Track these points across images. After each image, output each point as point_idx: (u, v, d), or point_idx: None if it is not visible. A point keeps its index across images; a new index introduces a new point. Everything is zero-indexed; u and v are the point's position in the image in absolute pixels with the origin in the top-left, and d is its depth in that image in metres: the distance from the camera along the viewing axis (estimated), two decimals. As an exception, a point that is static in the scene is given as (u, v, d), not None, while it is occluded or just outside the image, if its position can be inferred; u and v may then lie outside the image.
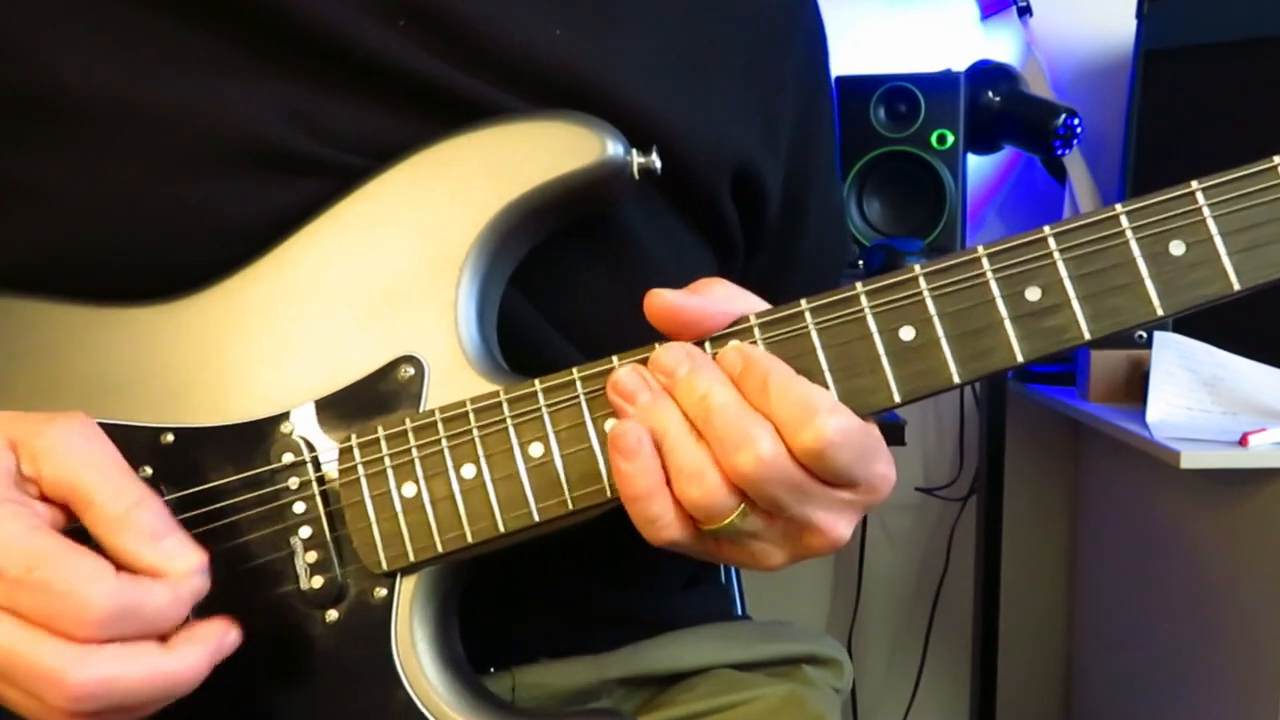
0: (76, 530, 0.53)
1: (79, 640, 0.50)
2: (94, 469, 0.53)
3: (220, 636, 0.55)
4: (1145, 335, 1.46)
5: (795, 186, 0.75)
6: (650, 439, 0.54)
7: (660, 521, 0.54)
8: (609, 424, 0.57)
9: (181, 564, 0.53)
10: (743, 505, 0.53)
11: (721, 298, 0.57)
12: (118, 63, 0.62)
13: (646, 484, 0.53)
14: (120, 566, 0.52)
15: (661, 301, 0.56)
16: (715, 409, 0.53)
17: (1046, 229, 0.54)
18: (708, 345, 0.57)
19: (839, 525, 0.55)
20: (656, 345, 0.57)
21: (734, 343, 0.56)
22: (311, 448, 0.60)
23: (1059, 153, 1.76)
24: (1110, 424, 1.48)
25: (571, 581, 0.71)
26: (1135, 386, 1.52)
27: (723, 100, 0.70)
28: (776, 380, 0.53)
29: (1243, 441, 1.27)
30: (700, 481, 0.53)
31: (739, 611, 0.93)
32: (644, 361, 0.57)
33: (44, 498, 0.54)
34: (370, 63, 0.63)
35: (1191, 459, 1.27)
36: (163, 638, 0.53)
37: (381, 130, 0.63)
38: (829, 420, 0.52)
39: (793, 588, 2.09)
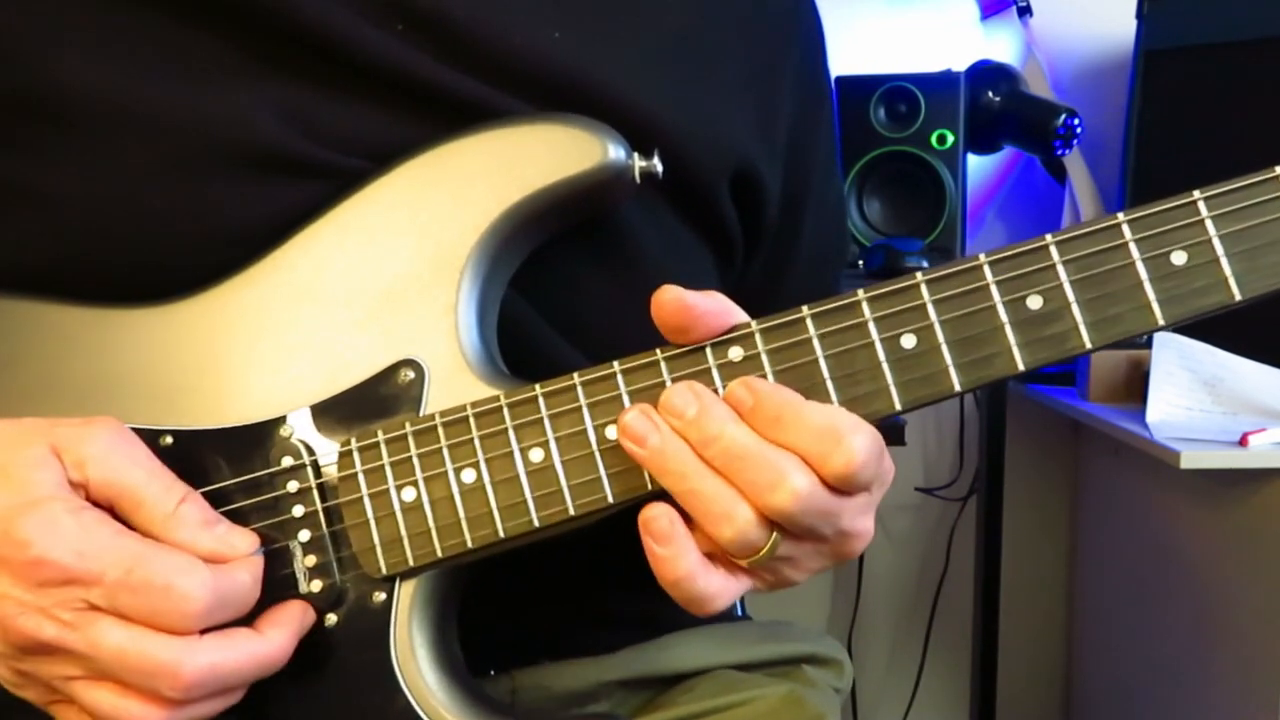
0: None
1: (182, 633, 0.53)
2: (141, 471, 0.56)
3: (301, 616, 0.58)
4: (1145, 336, 1.46)
5: (793, 186, 0.76)
6: (680, 518, 0.54)
7: (705, 595, 0.55)
8: (610, 430, 0.57)
9: (242, 545, 0.57)
10: (775, 534, 0.54)
11: (721, 302, 0.57)
12: (116, 65, 0.62)
13: (686, 565, 0.54)
14: None
15: (671, 296, 0.56)
16: (737, 449, 0.53)
17: (1048, 237, 0.54)
18: (709, 351, 0.57)
19: (867, 524, 0.57)
20: (658, 350, 0.57)
21: (737, 348, 0.56)
22: (311, 451, 0.60)
23: (1059, 153, 1.76)
24: (1110, 424, 1.48)
25: (572, 583, 0.71)
26: (1135, 386, 1.52)
27: (722, 101, 0.70)
28: (791, 411, 0.53)
29: (1243, 441, 1.27)
30: (732, 520, 0.53)
31: (739, 612, 0.93)
32: (646, 366, 0.57)
33: (91, 501, 0.55)
34: (369, 66, 0.63)
35: (1191, 459, 1.26)
36: (243, 621, 0.56)
37: (381, 133, 0.63)
38: (855, 441, 0.52)
39: (793, 588, 2.08)
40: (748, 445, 0.53)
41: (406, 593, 0.59)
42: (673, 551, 0.54)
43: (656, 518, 0.54)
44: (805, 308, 0.56)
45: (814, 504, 0.53)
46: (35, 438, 0.55)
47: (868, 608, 2.11)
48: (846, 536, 0.56)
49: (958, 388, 0.55)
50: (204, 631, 0.54)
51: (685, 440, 0.54)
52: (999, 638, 1.86)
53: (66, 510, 0.53)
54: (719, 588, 0.55)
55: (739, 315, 0.57)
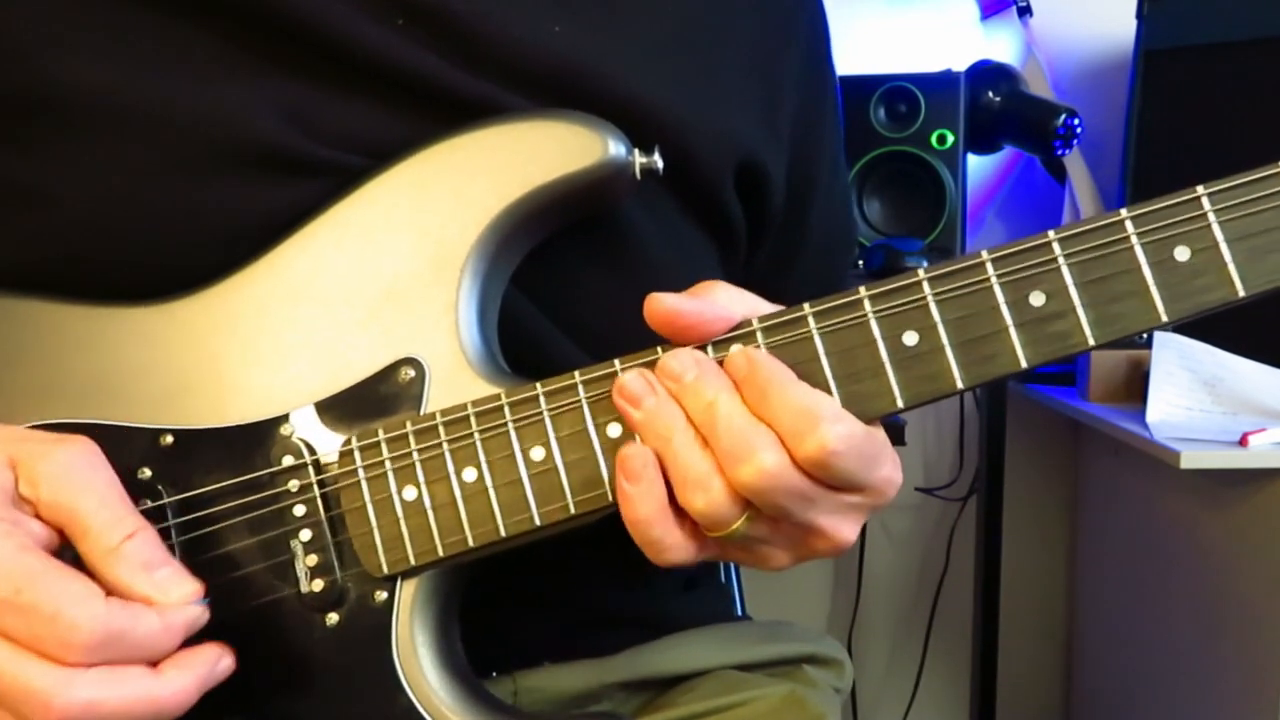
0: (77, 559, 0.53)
1: (66, 663, 0.49)
2: (94, 498, 0.53)
3: (212, 664, 0.54)
4: (1146, 335, 1.46)
5: (799, 176, 0.75)
6: (657, 463, 0.54)
7: (662, 544, 0.54)
8: (611, 428, 0.57)
9: (175, 593, 0.53)
10: (748, 513, 0.53)
11: (722, 301, 0.57)
12: (116, 63, 0.62)
13: (649, 508, 0.54)
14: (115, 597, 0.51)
15: (661, 306, 0.56)
16: (720, 419, 0.53)
17: (1051, 234, 0.54)
18: (710, 350, 0.56)
19: (844, 529, 0.56)
20: (659, 348, 0.57)
21: (738, 346, 0.55)
22: (312, 450, 0.59)
23: (1059, 153, 1.76)
24: (1110, 424, 1.48)
25: (573, 585, 0.71)
26: (1135, 386, 1.52)
27: (726, 92, 0.70)
28: (777, 387, 0.53)
29: (1243, 441, 1.27)
30: (705, 490, 0.53)
31: (739, 612, 0.93)
32: (649, 365, 0.57)
33: (39, 519, 0.53)
34: (370, 62, 0.63)
35: (1191, 459, 1.26)
36: (153, 664, 0.52)
37: (381, 130, 0.63)
38: (831, 429, 0.52)
39: (793, 588, 2.09)
40: (730, 414, 0.53)
41: (408, 591, 0.59)
42: (639, 490, 0.54)
43: (632, 456, 0.54)
44: (807, 305, 0.56)
45: (782, 484, 0.52)
46: None
47: (868, 608, 2.11)
48: (815, 530, 0.55)
49: (960, 385, 0.55)
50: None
51: (680, 405, 0.54)
52: (999, 638, 1.86)
53: None
54: (676, 541, 0.55)
55: (742, 307, 0.57)
